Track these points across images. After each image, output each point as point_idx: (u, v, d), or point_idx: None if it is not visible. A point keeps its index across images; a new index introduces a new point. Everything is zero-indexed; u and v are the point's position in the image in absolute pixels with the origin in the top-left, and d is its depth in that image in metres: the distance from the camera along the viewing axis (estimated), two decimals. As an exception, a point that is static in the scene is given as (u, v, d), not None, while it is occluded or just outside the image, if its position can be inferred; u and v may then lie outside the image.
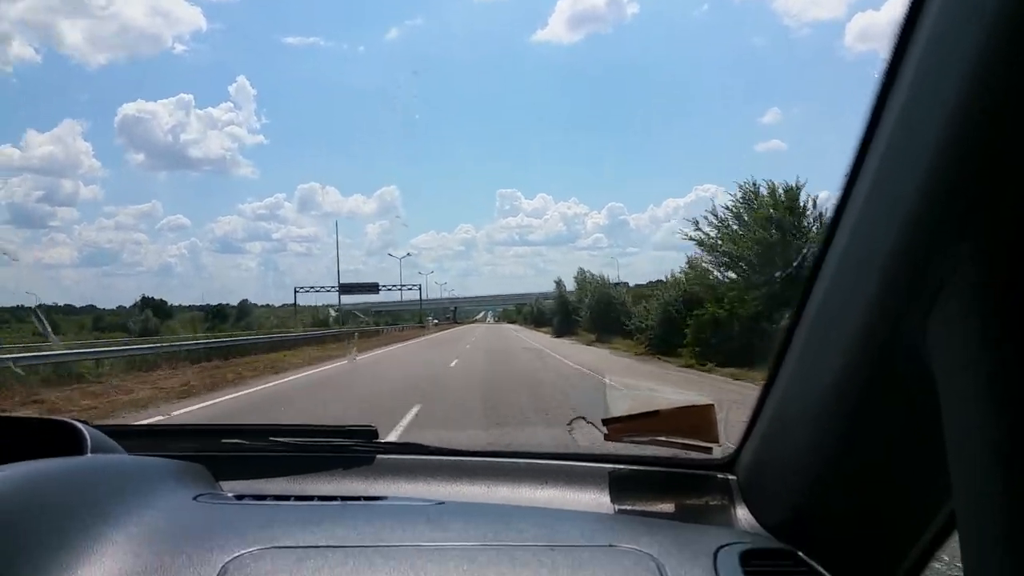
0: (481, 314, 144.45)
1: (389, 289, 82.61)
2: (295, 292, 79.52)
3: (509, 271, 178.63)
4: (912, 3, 0.65)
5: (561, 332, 48.66)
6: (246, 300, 74.96)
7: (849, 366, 0.79)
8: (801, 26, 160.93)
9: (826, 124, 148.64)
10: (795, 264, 14.90)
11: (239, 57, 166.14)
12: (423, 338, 42.73)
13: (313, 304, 79.80)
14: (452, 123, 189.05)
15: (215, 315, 75.34)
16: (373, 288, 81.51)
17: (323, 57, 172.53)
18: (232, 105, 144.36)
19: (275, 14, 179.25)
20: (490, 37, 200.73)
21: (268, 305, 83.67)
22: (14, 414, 1.34)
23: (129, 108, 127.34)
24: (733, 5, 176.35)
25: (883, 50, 0.68)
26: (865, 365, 0.77)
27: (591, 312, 38.04)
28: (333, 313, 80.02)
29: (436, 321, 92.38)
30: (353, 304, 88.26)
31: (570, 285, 52.39)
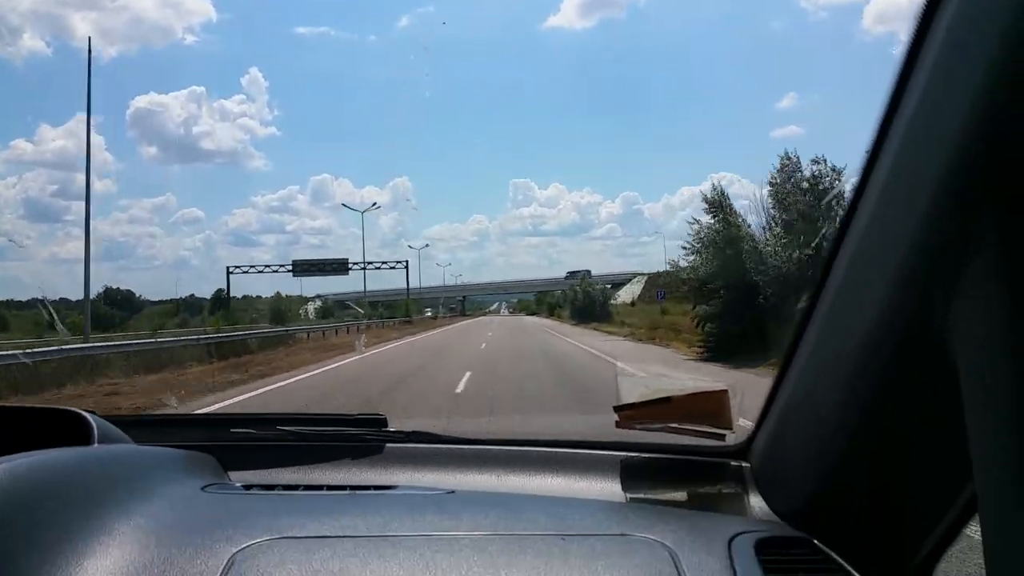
0: (495, 305, 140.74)
1: (361, 268, 59.49)
2: (228, 272, 63.30)
3: (522, 261, 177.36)
4: None
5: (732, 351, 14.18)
6: (222, 290, 66.86)
7: (868, 350, 0.78)
8: (818, 9, 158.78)
9: (844, 107, 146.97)
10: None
11: (250, 48, 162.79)
12: (360, 356, 18.07)
13: (306, 292, 67.51)
14: (464, 113, 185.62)
15: (184, 308, 72.33)
16: (341, 266, 60.37)
17: (334, 47, 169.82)
18: (244, 97, 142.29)
19: (285, 3, 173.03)
20: (501, 24, 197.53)
21: (252, 296, 74.81)
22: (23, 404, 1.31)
23: (141, 101, 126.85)
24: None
25: (902, 31, 0.66)
26: (886, 348, 0.76)
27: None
28: (315, 306, 68.86)
29: (431, 312, 75.99)
30: (345, 294, 70.81)
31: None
